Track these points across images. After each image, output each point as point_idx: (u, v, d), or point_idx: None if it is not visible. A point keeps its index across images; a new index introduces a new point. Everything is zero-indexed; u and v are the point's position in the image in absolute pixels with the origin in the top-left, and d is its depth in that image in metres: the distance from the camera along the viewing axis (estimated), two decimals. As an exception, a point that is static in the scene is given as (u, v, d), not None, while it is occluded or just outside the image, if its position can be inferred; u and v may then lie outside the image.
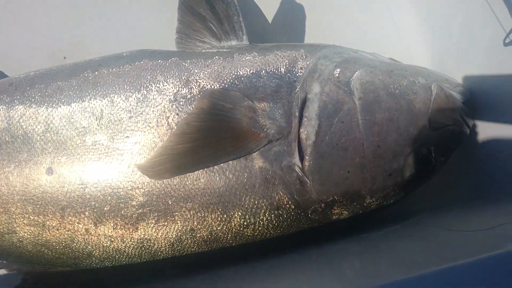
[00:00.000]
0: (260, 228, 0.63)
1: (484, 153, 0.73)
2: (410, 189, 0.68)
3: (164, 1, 0.88)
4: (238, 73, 0.63)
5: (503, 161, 0.69)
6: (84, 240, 0.63)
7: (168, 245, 0.64)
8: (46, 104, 0.63)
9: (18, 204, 0.62)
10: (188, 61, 0.64)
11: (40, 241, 0.64)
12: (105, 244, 0.63)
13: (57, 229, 0.63)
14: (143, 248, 0.64)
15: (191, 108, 0.60)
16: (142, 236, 0.63)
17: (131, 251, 0.64)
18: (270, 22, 0.96)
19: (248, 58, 0.65)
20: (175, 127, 0.60)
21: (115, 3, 0.89)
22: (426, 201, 0.78)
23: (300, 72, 0.64)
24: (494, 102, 0.70)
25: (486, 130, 0.73)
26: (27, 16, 0.90)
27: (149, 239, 0.63)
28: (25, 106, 0.64)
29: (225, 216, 0.62)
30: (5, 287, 0.73)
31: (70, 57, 0.89)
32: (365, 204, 0.65)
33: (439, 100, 0.65)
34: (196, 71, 0.63)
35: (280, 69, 0.64)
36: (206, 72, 0.63)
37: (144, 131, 0.61)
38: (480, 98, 0.73)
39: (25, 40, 0.90)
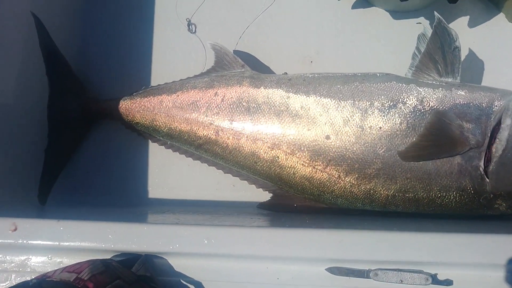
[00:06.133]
0: (446, 201, 1.00)
1: None
2: None
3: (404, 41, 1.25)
4: (455, 102, 1.00)
5: None
6: (334, 182, 1.05)
7: (384, 197, 1.03)
8: (332, 97, 1.06)
9: (303, 153, 1.05)
10: (423, 88, 1.02)
11: (305, 175, 1.07)
12: (346, 187, 1.05)
13: (320, 171, 1.05)
14: (367, 196, 1.04)
15: (427, 119, 0.99)
16: (371, 187, 1.03)
17: (359, 195, 1.05)
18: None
19: (461, 93, 1.01)
20: (419, 130, 0.98)
21: (363, 32, 1.29)
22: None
23: (495, 108, 0.99)
24: None
25: None
26: (287, 28, 1.34)
27: (375, 191, 1.03)
28: (316, 95, 1.07)
29: (428, 187, 1.00)
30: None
31: (315, 62, 1.32)
32: None
33: None
34: (427, 96, 1.01)
35: (483, 104, 0.99)
36: (434, 97, 1.01)
37: (390, 130, 1.00)
38: None
39: (284, 46, 1.34)
